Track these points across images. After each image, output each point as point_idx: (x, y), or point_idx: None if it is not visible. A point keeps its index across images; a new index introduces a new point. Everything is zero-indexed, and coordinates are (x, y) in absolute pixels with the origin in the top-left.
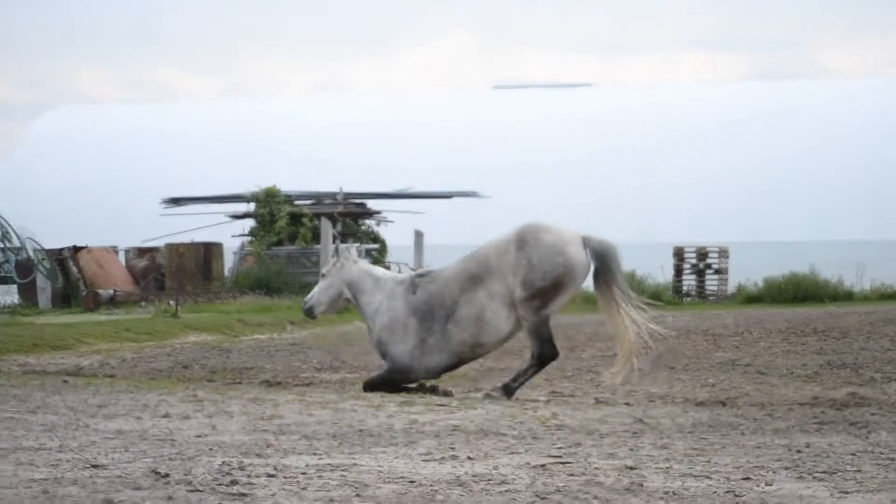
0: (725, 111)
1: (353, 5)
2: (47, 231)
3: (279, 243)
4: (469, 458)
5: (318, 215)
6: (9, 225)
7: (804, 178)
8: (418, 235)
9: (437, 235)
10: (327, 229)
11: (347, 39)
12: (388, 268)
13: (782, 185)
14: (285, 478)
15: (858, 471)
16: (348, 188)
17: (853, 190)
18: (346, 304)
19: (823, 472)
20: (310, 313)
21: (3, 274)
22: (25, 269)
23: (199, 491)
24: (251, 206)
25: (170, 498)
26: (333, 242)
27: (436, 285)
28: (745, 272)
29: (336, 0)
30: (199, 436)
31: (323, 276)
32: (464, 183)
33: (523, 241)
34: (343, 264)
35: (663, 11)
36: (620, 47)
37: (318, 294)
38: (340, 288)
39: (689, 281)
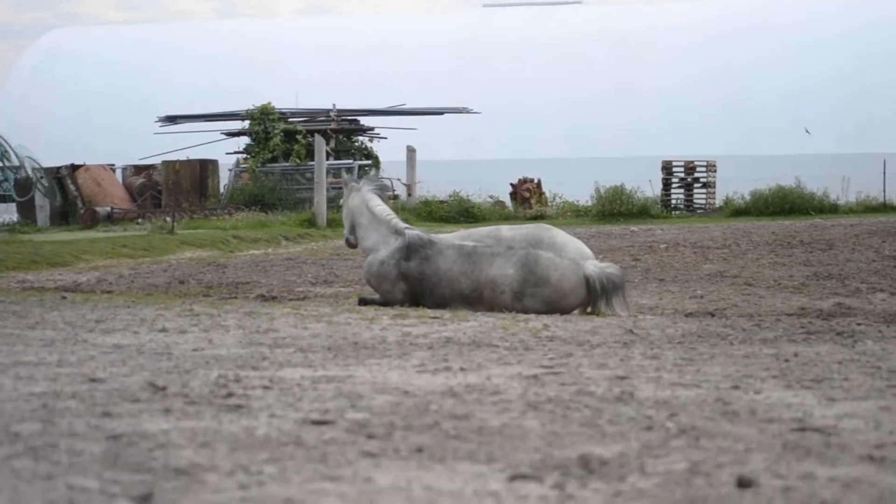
0: (710, 25)
1: None
2: (45, 150)
3: (274, 160)
4: (462, 369)
5: (311, 132)
6: (7, 144)
7: (789, 93)
8: (410, 151)
9: (428, 151)
10: (321, 146)
11: None
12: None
13: (768, 100)
14: (280, 389)
15: (845, 379)
16: (341, 105)
17: (837, 103)
18: None
19: (811, 381)
20: (348, 244)
21: (1, 192)
22: (24, 187)
23: (195, 403)
24: (246, 124)
25: (167, 410)
26: (327, 158)
27: (432, 266)
28: (733, 185)
29: None
30: (195, 349)
31: (340, 206)
32: (455, 100)
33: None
34: (348, 192)
35: None
36: None
37: (346, 226)
38: (350, 216)
39: (677, 194)
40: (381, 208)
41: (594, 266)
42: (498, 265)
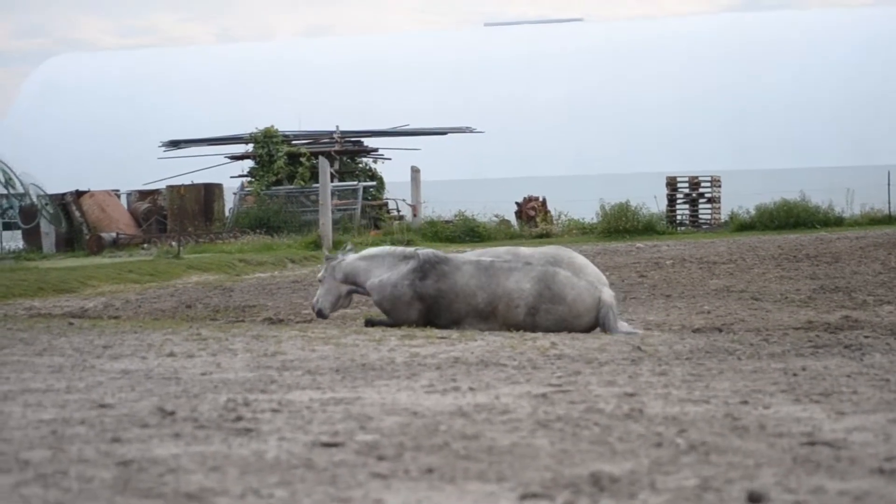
0: (712, 42)
1: None
2: (50, 177)
3: (278, 183)
4: (471, 388)
5: (315, 154)
6: (12, 171)
7: (791, 107)
8: (415, 171)
9: (433, 171)
10: (325, 168)
11: None
12: (387, 205)
13: (770, 114)
14: (289, 412)
15: (854, 392)
16: (345, 127)
17: (840, 117)
18: (350, 299)
19: (820, 395)
20: (320, 315)
21: (7, 220)
22: (29, 214)
23: (205, 427)
24: (250, 147)
25: (177, 435)
26: (332, 180)
27: (449, 282)
28: (737, 200)
29: None
30: (203, 373)
31: (319, 281)
32: (458, 119)
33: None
34: (334, 267)
35: None
36: None
37: (322, 298)
38: (338, 288)
39: (682, 210)
40: (375, 249)
41: (610, 295)
42: (515, 279)
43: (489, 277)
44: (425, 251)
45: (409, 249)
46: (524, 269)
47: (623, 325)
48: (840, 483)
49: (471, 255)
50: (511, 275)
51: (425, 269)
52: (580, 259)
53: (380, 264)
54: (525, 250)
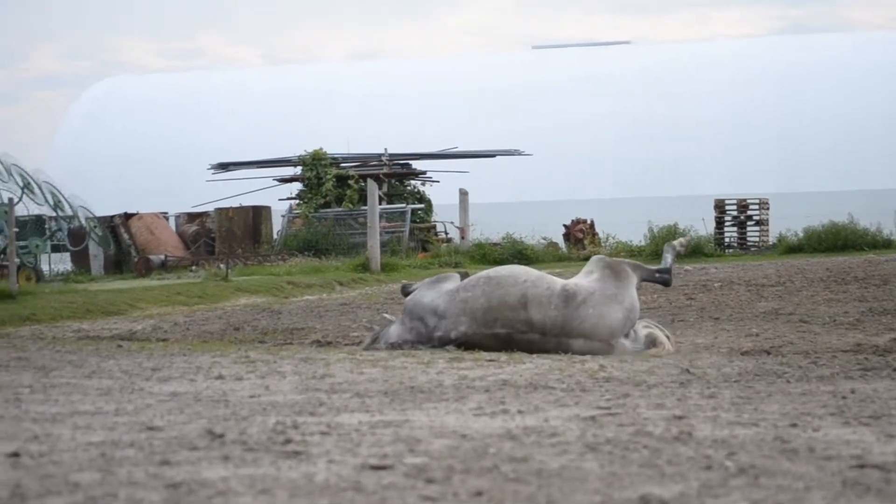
0: (760, 64)
1: None
2: (99, 199)
3: (326, 205)
4: (519, 411)
5: (363, 177)
6: (61, 194)
7: (839, 129)
8: (463, 194)
9: (481, 193)
10: (373, 190)
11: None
12: (435, 228)
13: (818, 136)
14: (339, 435)
15: None
16: (393, 150)
17: (888, 139)
18: None
19: (869, 417)
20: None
21: (56, 242)
22: (78, 236)
23: (254, 450)
24: (298, 170)
25: (226, 457)
26: (380, 203)
27: None
28: (785, 223)
29: None
30: (252, 396)
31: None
32: (506, 142)
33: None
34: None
35: None
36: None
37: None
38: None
39: (730, 233)
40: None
41: (622, 348)
42: (536, 351)
43: (511, 347)
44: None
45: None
46: (540, 341)
47: (626, 344)
48: None
49: (478, 314)
50: (531, 347)
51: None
52: (591, 317)
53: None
54: (535, 310)
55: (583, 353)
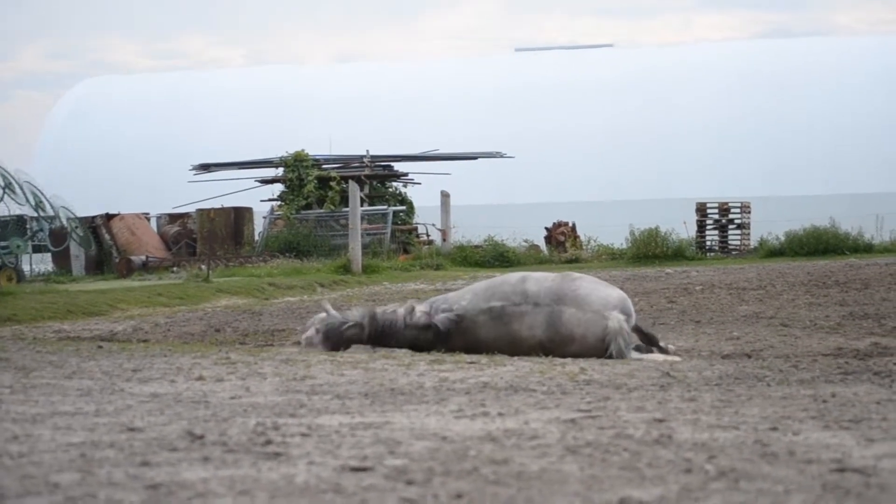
0: (742, 68)
1: None
2: (80, 199)
3: (308, 207)
4: (500, 413)
5: (345, 178)
6: (42, 194)
7: (821, 133)
8: (444, 196)
9: (463, 196)
10: (355, 192)
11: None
12: (416, 230)
13: (800, 140)
14: (319, 437)
15: (884, 419)
16: (375, 151)
17: (870, 143)
18: None
19: (849, 421)
20: None
21: (37, 242)
22: (59, 237)
23: (234, 451)
24: (280, 171)
25: (206, 458)
26: (362, 204)
27: (471, 337)
28: (767, 226)
29: None
30: (232, 397)
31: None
32: (488, 144)
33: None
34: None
35: None
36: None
37: None
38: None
39: (711, 236)
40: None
41: (617, 321)
42: (528, 324)
43: (504, 325)
44: (441, 318)
45: (424, 320)
46: (532, 312)
47: (634, 354)
48: None
49: (479, 294)
50: (523, 320)
51: (448, 335)
52: (584, 288)
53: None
54: (532, 283)
55: (572, 327)
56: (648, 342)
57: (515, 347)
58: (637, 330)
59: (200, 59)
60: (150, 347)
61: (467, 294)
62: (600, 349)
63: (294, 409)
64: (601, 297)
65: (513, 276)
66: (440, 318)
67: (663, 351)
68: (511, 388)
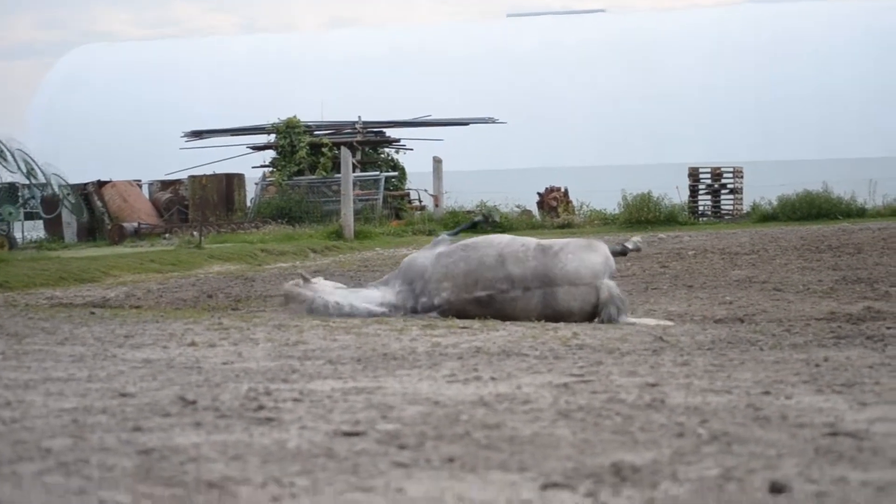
0: (735, 32)
1: None
2: (72, 167)
3: (300, 173)
4: (492, 378)
5: (337, 145)
6: (34, 161)
7: (814, 97)
8: (437, 162)
9: (455, 162)
10: (347, 158)
11: None
12: (408, 195)
13: (793, 105)
14: (311, 402)
15: (876, 383)
16: (367, 117)
17: (863, 108)
18: None
19: (842, 385)
20: None
21: (29, 209)
22: (51, 204)
23: (226, 416)
24: (272, 138)
25: (198, 424)
26: (354, 171)
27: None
28: (759, 191)
29: None
30: (225, 363)
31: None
32: (480, 110)
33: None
34: None
35: None
36: None
37: None
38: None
39: (704, 201)
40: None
41: (608, 288)
42: (522, 310)
43: (496, 311)
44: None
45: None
46: (524, 297)
47: (629, 318)
48: (862, 474)
49: (458, 277)
50: (516, 306)
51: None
52: (570, 263)
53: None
54: (513, 264)
55: (569, 303)
56: (622, 254)
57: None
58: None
59: (192, 26)
60: (142, 313)
61: (446, 282)
62: (595, 315)
63: (286, 375)
64: (589, 267)
65: (488, 255)
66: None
67: (633, 250)
68: (503, 352)
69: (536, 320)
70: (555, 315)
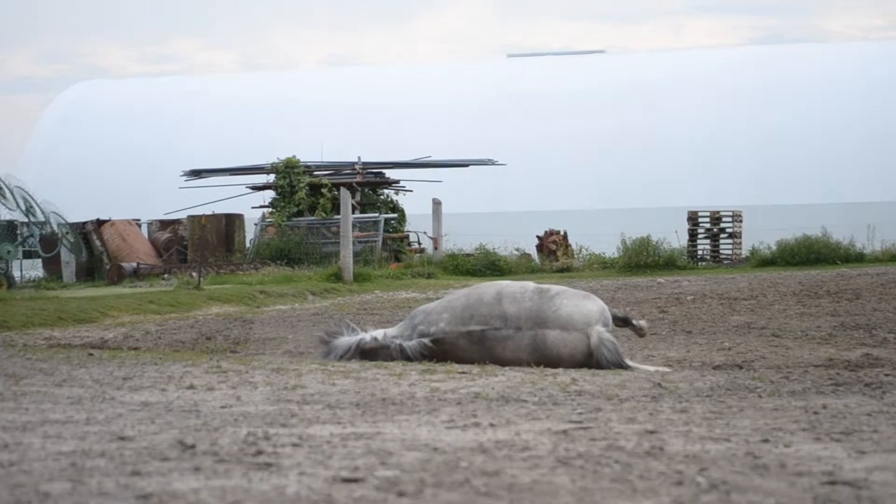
0: (734, 75)
1: None
2: (70, 205)
3: (299, 214)
4: (491, 424)
5: (337, 185)
6: (33, 199)
7: (813, 142)
8: (436, 204)
9: (454, 203)
10: (346, 199)
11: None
12: (408, 238)
13: (792, 149)
14: (310, 447)
15: (875, 431)
16: (367, 158)
17: (861, 152)
18: None
19: (840, 433)
20: None
21: (28, 248)
22: (50, 243)
23: (225, 461)
24: (271, 178)
25: (196, 468)
26: (353, 212)
27: (455, 357)
28: (758, 235)
29: None
30: (223, 406)
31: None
32: (480, 151)
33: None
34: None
35: None
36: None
37: None
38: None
39: (703, 245)
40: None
41: (598, 334)
42: (511, 349)
43: (486, 349)
44: (411, 344)
45: (399, 343)
46: (515, 336)
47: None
48: None
49: (458, 309)
50: (506, 345)
51: (424, 355)
52: (565, 307)
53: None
54: (510, 303)
55: (558, 348)
56: (624, 324)
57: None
58: (613, 318)
59: (192, 63)
60: (140, 355)
61: (445, 313)
62: (588, 364)
63: (285, 419)
64: (583, 314)
65: (488, 293)
66: (411, 345)
67: (635, 328)
68: (502, 398)
69: (526, 364)
70: (545, 359)
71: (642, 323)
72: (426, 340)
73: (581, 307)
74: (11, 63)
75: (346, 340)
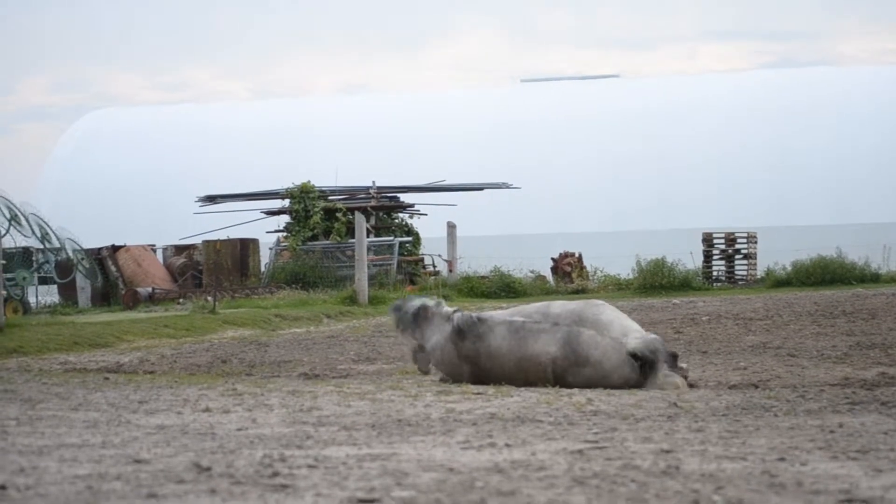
0: (748, 98)
1: (380, 5)
2: (86, 231)
3: (314, 238)
4: (507, 445)
5: (351, 210)
6: (48, 226)
7: (827, 163)
8: (451, 227)
9: (469, 227)
10: (361, 223)
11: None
12: (423, 261)
13: (807, 170)
14: (326, 468)
15: (891, 449)
16: (381, 182)
17: (876, 173)
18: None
19: (857, 452)
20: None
21: (43, 274)
22: (65, 268)
23: (241, 483)
24: (286, 203)
25: (213, 491)
26: (368, 236)
27: (485, 344)
28: (774, 256)
29: (363, 1)
30: (239, 429)
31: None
32: (494, 175)
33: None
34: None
35: (682, 4)
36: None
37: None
38: (411, 342)
39: (718, 266)
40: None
41: (635, 338)
42: (543, 341)
43: (519, 340)
44: (459, 314)
45: (450, 309)
46: (550, 330)
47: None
48: None
49: (505, 313)
50: (539, 337)
51: (461, 331)
52: (607, 315)
53: (431, 324)
54: (556, 306)
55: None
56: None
57: (524, 365)
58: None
59: (205, 91)
60: (156, 379)
61: (497, 312)
62: (612, 380)
63: (301, 441)
64: (622, 325)
65: (542, 302)
66: (459, 315)
67: (674, 357)
68: (518, 418)
69: (553, 361)
70: (573, 357)
71: (685, 366)
72: (474, 315)
73: (623, 319)
74: (25, 92)
75: (415, 303)
